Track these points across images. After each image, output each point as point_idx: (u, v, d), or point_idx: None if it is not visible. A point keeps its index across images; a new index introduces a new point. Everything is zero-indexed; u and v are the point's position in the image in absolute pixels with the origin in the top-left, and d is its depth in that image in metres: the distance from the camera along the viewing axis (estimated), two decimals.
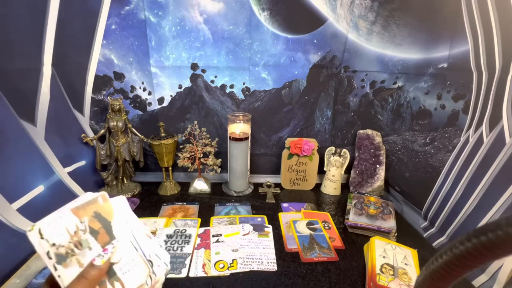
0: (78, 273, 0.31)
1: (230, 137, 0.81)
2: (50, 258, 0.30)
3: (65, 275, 0.30)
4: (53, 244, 0.30)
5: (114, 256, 0.34)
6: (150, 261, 0.37)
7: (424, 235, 0.71)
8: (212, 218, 0.73)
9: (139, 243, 0.37)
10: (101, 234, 0.33)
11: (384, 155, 0.87)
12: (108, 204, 0.35)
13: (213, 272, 0.55)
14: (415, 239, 0.68)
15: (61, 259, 0.30)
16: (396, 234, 0.67)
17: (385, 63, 0.82)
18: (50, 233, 0.30)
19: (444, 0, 0.67)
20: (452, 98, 0.66)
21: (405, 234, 0.69)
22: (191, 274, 0.55)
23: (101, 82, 0.78)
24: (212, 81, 0.83)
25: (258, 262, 0.59)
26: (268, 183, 0.92)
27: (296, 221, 0.71)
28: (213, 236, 0.65)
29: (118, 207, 0.36)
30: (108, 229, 0.34)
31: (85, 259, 0.31)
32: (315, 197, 0.87)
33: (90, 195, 0.35)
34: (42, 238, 0.30)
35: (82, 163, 0.78)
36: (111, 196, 0.36)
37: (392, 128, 0.88)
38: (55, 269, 0.30)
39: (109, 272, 0.33)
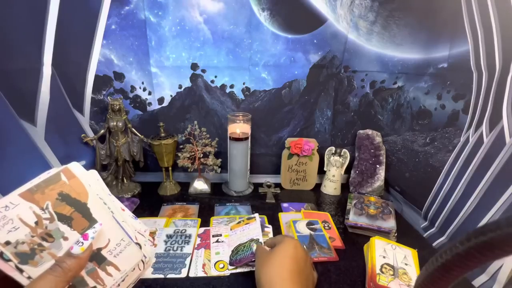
0: (51, 264, 0.26)
1: (230, 137, 0.81)
2: (7, 260, 0.25)
3: (38, 274, 0.26)
4: (7, 243, 0.25)
5: (100, 240, 0.29)
6: (137, 243, 0.32)
7: (424, 235, 0.71)
8: (212, 218, 0.73)
9: (120, 224, 0.31)
10: (76, 219, 0.28)
11: (384, 155, 0.87)
12: (77, 181, 0.29)
13: (213, 272, 0.55)
14: (415, 239, 0.68)
15: (26, 257, 0.25)
16: (396, 234, 0.67)
17: (385, 63, 0.82)
18: None
19: (444, 0, 0.67)
20: (452, 98, 0.66)
21: (405, 234, 0.69)
22: (191, 274, 0.55)
23: (101, 82, 0.78)
24: (212, 81, 0.83)
25: None
26: (268, 183, 0.92)
27: (296, 221, 0.71)
28: (213, 236, 0.65)
29: (91, 183, 0.30)
30: (85, 212, 0.29)
31: (61, 251, 0.27)
32: (315, 197, 0.87)
33: (47, 172, 0.28)
34: None
35: (82, 163, 0.77)
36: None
37: (392, 128, 0.88)
38: (21, 271, 0.25)
39: (98, 258, 0.29)
